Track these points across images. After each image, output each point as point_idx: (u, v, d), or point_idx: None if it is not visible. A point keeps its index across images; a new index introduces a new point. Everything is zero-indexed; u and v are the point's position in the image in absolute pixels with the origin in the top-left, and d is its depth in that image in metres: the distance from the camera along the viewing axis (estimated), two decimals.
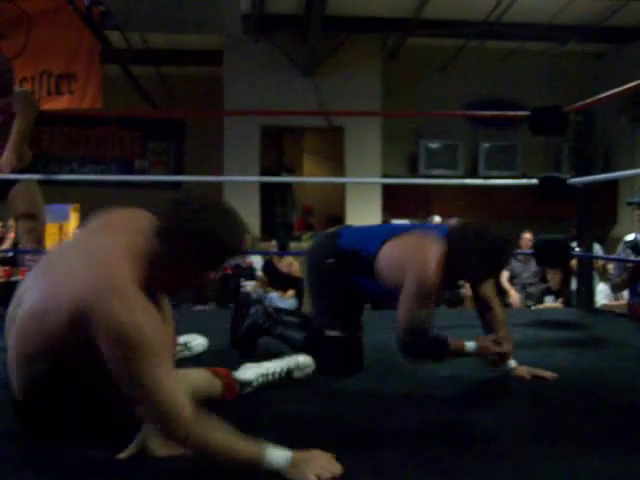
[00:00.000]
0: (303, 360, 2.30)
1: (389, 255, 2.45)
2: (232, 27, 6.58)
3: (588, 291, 4.26)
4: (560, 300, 6.29)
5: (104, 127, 10.34)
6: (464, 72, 9.24)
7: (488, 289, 2.50)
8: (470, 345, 2.35)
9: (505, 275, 6.61)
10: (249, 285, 7.36)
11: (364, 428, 1.84)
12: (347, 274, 2.54)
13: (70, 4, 6.20)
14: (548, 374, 2.38)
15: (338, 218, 9.17)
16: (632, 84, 3.35)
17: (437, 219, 7.37)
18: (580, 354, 2.53)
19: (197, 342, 2.64)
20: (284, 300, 7.10)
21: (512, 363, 2.40)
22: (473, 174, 9.15)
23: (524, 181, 4.45)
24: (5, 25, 6.87)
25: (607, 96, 3.75)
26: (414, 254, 2.35)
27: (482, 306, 2.50)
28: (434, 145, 9.26)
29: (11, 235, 7.60)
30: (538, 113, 3.99)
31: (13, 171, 3.50)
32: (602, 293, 5.72)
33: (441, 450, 1.64)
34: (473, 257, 2.24)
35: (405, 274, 2.32)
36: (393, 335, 2.31)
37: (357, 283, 2.55)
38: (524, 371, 2.39)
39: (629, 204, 6.19)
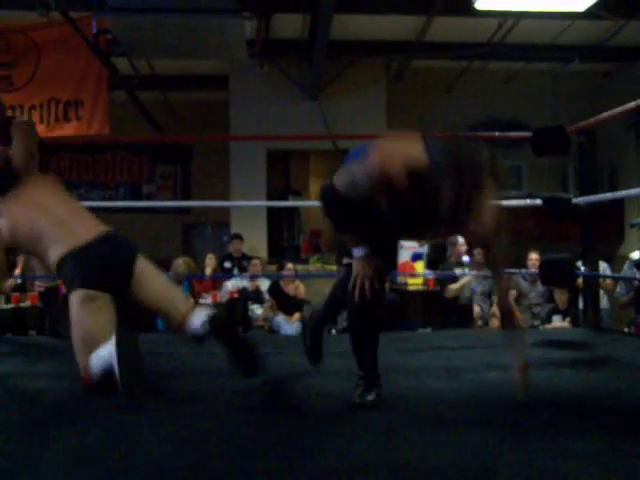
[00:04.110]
0: None
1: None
2: (237, 52, 6.63)
3: (594, 310, 4.26)
4: (567, 320, 6.26)
5: (111, 152, 10.44)
6: (469, 93, 9.29)
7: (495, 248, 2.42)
8: None
9: (512, 295, 6.58)
10: (257, 309, 7.33)
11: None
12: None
13: (78, 33, 6.29)
14: (521, 380, 2.26)
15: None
16: (636, 102, 3.35)
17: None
18: (586, 374, 2.53)
19: None
20: (291, 324, 6.98)
21: None
22: None
23: (529, 201, 4.45)
24: (15, 54, 6.98)
25: (611, 115, 3.76)
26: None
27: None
28: None
29: (21, 259, 7.61)
30: (540, 134, 4.00)
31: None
32: None
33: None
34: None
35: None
36: None
37: None
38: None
39: (632, 226, 6.18)
